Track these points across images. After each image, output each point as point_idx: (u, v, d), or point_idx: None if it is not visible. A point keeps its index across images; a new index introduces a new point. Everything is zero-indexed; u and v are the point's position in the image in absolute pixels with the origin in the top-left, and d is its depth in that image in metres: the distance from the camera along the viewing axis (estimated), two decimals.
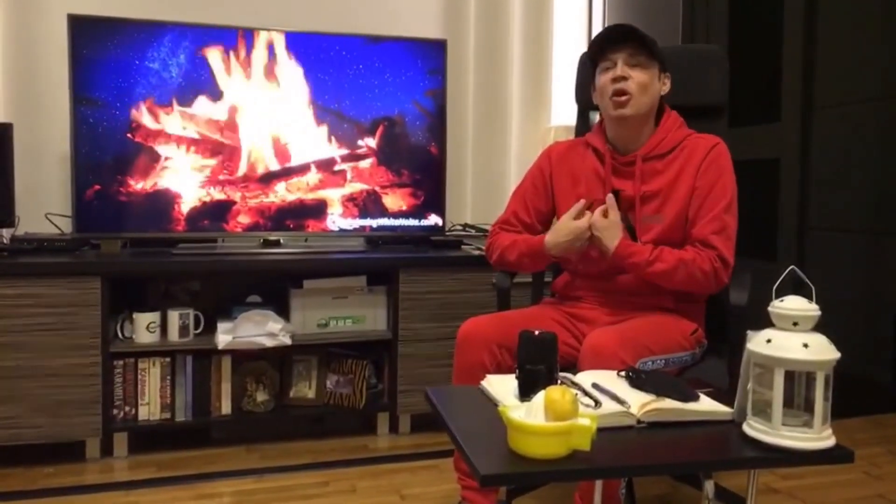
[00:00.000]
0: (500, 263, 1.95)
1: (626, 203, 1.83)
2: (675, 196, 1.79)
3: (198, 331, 2.50)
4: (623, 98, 1.76)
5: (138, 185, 2.53)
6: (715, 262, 1.72)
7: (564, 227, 1.79)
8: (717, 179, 1.77)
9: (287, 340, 2.46)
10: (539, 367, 1.31)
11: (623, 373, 1.39)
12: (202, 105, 2.57)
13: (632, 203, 1.82)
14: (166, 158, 2.55)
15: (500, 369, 1.66)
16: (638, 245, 1.75)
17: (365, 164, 2.74)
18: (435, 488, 2.17)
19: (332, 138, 2.70)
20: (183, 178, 2.57)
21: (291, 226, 2.69)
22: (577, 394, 1.16)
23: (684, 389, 1.30)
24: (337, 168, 2.72)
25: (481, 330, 1.73)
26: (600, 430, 1.11)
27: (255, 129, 2.63)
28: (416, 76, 2.76)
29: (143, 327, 2.40)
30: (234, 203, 2.63)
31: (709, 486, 1.57)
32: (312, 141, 2.68)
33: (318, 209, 2.71)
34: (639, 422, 1.22)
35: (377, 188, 2.76)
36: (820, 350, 1.11)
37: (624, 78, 1.75)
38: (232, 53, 2.58)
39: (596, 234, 1.75)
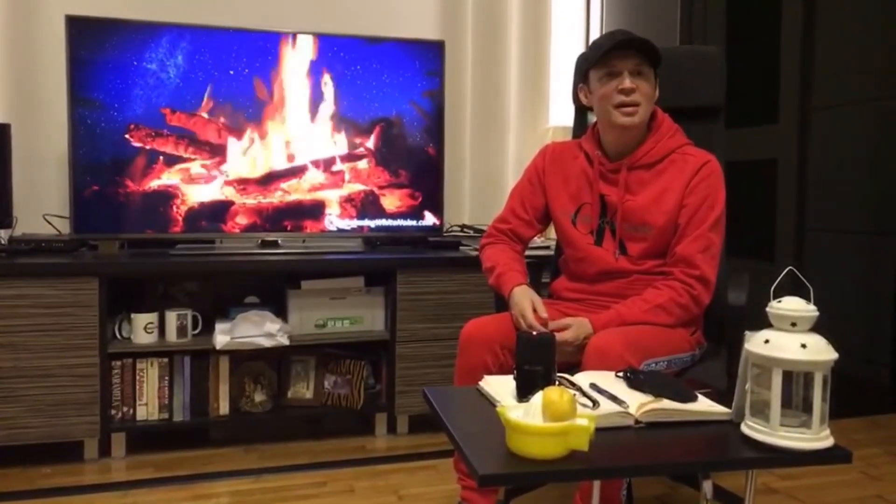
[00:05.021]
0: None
1: (610, 209, 1.84)
2: (661, 208, 1.79)
3: (196, 331, 2.50)
4: (631, 108, 1.77)
5: (136, 185, 2.53)
6: (693, 288, 1.73)
7: (518, 310, 1.75)
8: (706, 198, 1.77)
9: (285, 341, 2.46)
10: (537, 367, 1.31)
11: (621, 373, 1.40)
12: (199, 106, 2.57)
13: (616, 209, 1.83)
14: (164, 159, 2.55)
15: (503, 370, 1.66)
16: (612, 312, 1.73)
17: (363, 164, 2.74)
18: (433, 489, 2.17)
19: (330, 139, 2.70)
20: (181, 179, 2.57)
21: (289, 226, 2.69)
22: (575, 394, 1.17)
23: (682, 390, 1.31)
24: (335, 169, 2.72)
25: (484, 331, 1.74)
26: (598, 430, 1.11)
27: (252, 130, 2.63)
28: (413, 77, 2.76)
29: (141, 328, 2.40)
30: (232, 204, 2.63)
31: (707, 487, 1.57)
32: (310, 142, 2.68)
33: (315, 210, 2.71)
34: (637, 422, 1.22)
35: (375, 189, 2.76)
36: (818, 350, 1.11)
37: (633, 90, 1.76)
38: (229, 54, 2.58)
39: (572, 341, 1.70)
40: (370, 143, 2.74)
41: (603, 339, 1.59)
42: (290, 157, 2.67)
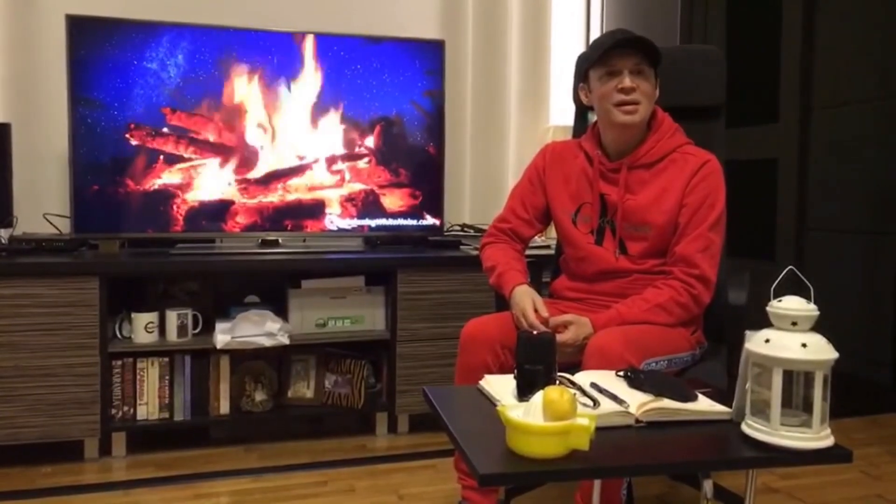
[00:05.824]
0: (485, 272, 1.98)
1: (611, 208, 1.84)
2: (661, 208, 1.79)
3: (196, 331, 2.50)
4: (631, 107, 1.77)
5: (136, 185, 2.53)
6: (693, 287, 1.72)
7: (519, 309, 1.75)
8: (706, 197, 1.77)
9: (285, 340, 2.46)
10: (537, 367, 1.31)
11: (622, 373, 1.40)
12: (200, 105, 2.57)
13: (616, 209, 1.83)
14: (164, 159, 2.55)
15: (503, 369, 1.66)
16: (612, 312, 1.73)
17: (363, 164, 2.74)
18: (433, 488, 2.17)
19: (331, 138, 2.70)
20: (181, 179, 2.57)
21: (290, 226, 2.69)
22: (575, 393, 1.17)
23: (683, 389, 1.31)
24: (335, 168, 2.72)
25: (484, 330, 1.74)
26: (599, 429, 1.11)
27: (253, 130, 2.63)
28: (414, 76, 2.76)
29: (142, 327, 2.40)
30: (233, 203, 2.63)
31: (707, 486, 1.57)
32: (310, 141, 2.68)
33: (316, 209, 2.71)
34: (637, 421, 1.22)
35: (375, 188, 2.76)
36: (818, 350, 1.11)
37: (633, 89, 1.75)
38: (230, 54, 2.58)
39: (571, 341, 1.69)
40: (370, 142, 2.74)
41: (603, 338, 1.59)
42: (291, 157, 2.67)
